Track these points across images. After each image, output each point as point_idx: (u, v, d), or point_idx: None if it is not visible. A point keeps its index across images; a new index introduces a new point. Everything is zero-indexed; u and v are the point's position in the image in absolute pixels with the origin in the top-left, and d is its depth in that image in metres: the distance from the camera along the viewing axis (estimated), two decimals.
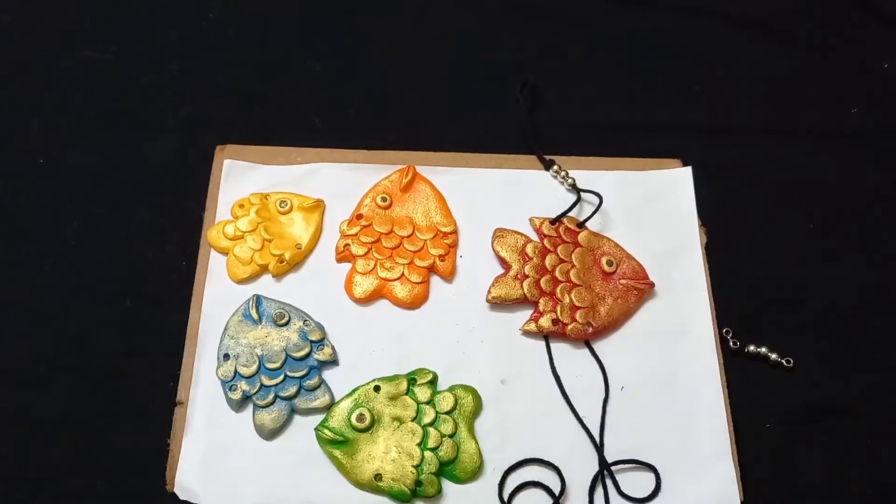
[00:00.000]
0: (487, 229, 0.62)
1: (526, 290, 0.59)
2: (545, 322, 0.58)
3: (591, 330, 0.58)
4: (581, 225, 0.62)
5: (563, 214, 0.62)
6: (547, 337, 0.59)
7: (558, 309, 0.58)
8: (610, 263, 0.60)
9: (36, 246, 0.62)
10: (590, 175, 0.65)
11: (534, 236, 0.62)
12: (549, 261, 0.60)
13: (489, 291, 0.59)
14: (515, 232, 0.61)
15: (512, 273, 0.60)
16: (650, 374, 0.58)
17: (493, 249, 0.61)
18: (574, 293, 0.59)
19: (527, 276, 0.59)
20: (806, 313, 0.61)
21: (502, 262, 0.61)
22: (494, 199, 0.64)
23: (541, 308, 0.59)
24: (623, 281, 0.60)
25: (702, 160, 0.66)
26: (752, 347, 0.59)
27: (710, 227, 0.63)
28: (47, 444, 0.55)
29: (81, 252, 0.62)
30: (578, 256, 0.60)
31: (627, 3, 0.75)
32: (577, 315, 0.58)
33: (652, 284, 0.60)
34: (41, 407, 0.56)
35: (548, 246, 0.61)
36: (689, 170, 0.65)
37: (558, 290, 0.59)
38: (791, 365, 0.58)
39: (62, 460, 0.55)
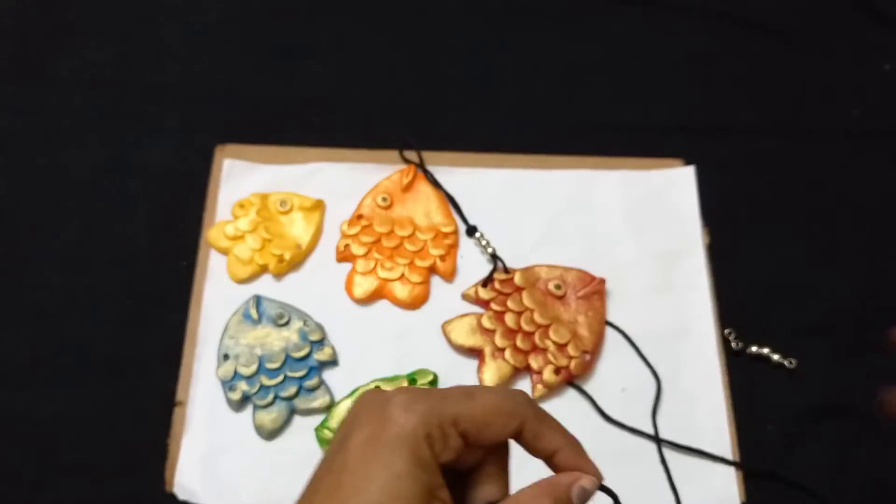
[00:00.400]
0: (488, 229, 0.62)
1: (513, 361, 0.56)
2: (549, 376, 0.56)
3: (588, 357, 0.57)
4: (507, 270, 0.60)
5: (490, 276, 0.60)
6: None
7: (550, 357, 0.56)
8: (558, 287, 0.59)
9: (36, 246, 0.62)
10: (590, 174, 0.65)
11: (470, 308, 0.60)
12: (509, 320, 0.57)
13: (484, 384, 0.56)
14: (460, 316, 0.59)
15: (488, 354, 0.57)
16: (651, 375, 0.58)
17: (455, 345, 0.57)
18: (551, 333, 0.57)
19: (503, 349, 0.57)
20: (808, 314, 0.61)
21: (471, 351, 0.57)
22: (494, 198, 0.64)
23: (535, 367, 0.56)
24: (579, 294, 0.59)
25: (702, 160, 0.66)
26: (754, 348, 0.59)
27: (713, 228, 0.63)
28: (47, 444, 0.55)
29: (81, 252, 0.61)
30: (529, 298, 0.58)
31: (627, 3, 0.75)
32: (570, 350, 0.57)
33: (602, 280, 0.59)
34: (41, 407, 0.56)
35: (498, 307, 0.58)
36: (691, 169, 0.65)
37: (537, 340, 0.57)
38: (793, 366, 0.58)
39: (62, 460, 0.54)
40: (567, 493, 0.31)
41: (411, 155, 0.64)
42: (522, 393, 0.33)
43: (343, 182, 0.64)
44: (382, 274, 0.60)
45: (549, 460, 0.33)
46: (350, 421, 0.31)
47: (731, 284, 0.61)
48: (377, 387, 0.55)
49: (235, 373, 0.56)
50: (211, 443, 0.55)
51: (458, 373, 0.57)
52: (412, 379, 0.56)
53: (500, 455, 0.33)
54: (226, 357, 0.56)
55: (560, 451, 0.32)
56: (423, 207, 0.63)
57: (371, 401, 0.32)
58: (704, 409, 0.57)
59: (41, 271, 0.61)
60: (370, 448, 0.30)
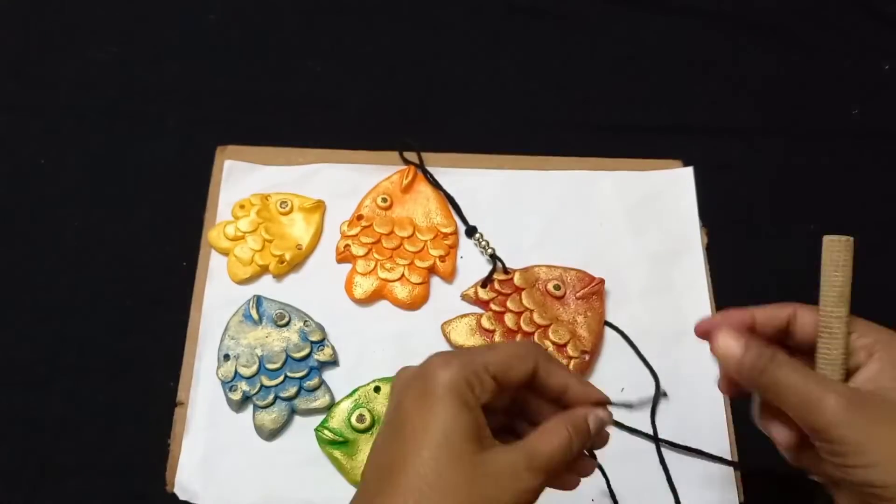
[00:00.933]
0: (488, 230, 0.62)
1: None
2: None
3: (587, 357, 0.57)
4: (507, 271, 0.60)
5: (490, 277, 0.60)
6: None
7: None
8: (557, 287, 0.59)
9: (36, 246, 0.62)
10: (590, 175, 0.65)
11: (470, 308, 0.60)
12: (508, 320, 0.57)
13: None
14: (460, 316, 0.59)
15: None
16: (650, 375, 0.58)
17: (454, 346, 0.57)
18: (550, 333, 0.57)
19: None
20: None
21: None
22: (494, 199, 0.64)
23: None
24: (578, 294, 0.59)
25: (702, 160, 0.66)
26: None
27: (711, 228, 0.63)
28: (47, 444, 0.55)
29: (81, 252, 0.61)
30: (529, 298, 0.58)
31: (627, 3, 0.75)
32: (569, 350, 0.57)
33: (602, 280, 0.59)
34: (41, 407, 0.56)
35: (497, 308, 0.58)
36: (690, 170, 0.65)
37: (536, 341, 0.57)
38: None
39: (62, 460, 0.55)
40: (584, 421, 0.38)
41: (411, 156, 0.65)
42: (533, 342, 0.41)
43: (343, 183, 0.64)
44: (382, 274, 0.60)
45: (562, 399, 0.39)
46: (398, 389, 0.37)
47: (730, 285, 0.61)
48: (377, 387, 0.55)
49: (236, 373, 0.56)
50: (211, 443, 0.55)
51: None
52: None
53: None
54: (226, 357, 0.56)
55: (570, 387, 0.39)
56: (422, 208, 0.63)
57: (410, 371, 0.37)
58: (703, 409, 0.57)
59: (41, 271, 0.61)
60: (423, 401, 0.35)
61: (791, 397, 0.37)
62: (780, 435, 0.40)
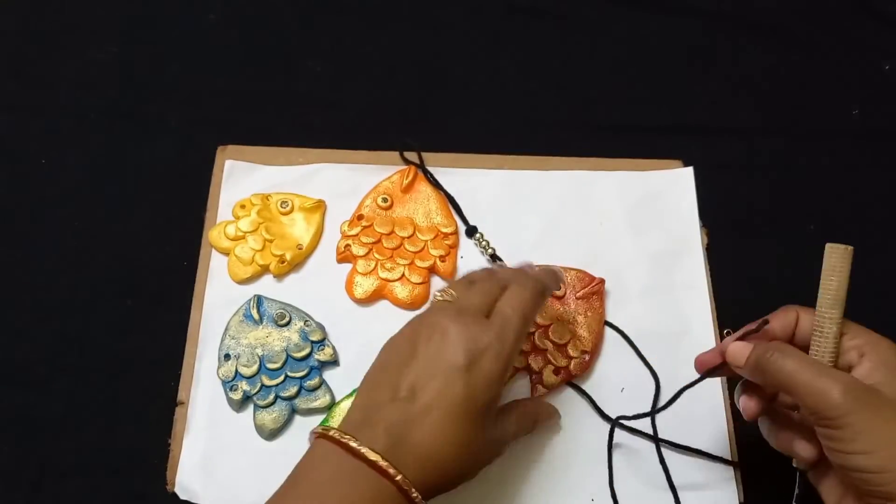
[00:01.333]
0: (488, 230, 0.62)
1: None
2: (549, 377, 0.56)
3: (588, 357, 0.57)
4: None
5: None
6: None
7: (549, 357, 0.57)
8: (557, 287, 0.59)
9: (36, 246, 0.62)
10: (590, 175, 0.65)
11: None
12: None
13: None
14: None
15: None
16: (650, 375, 0.58)
17: None
18: (550, 334, 0.57)
19: None
20: None
21: None
22: (494, 199, 0.64)
23: (535, 367, 0.56)
24: (578, 294, 0.59)
25: (702, 160, 0.66)
26: None
27: (711, 228, 0.63)
28: (47, 444, 0.55)
29: (81, 252, 0.61)
30: None
31: (627, 3, 0.75)
32: (569, 350, 0.57)
33: (602, 280, 0.59)
34: (41, 407, 0.56)
35: None
36: (690, 170, 0.65)
37: (536, 341, 0.57)
38: None
39: (62, 460, 0.55)
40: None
41: (411, 155, 0.65)
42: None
43: (343, 183, 0.64)
44: (383, 274, 0.60)
45: None
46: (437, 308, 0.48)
47: (730, 285, 0.61)
48: None
49: (236, 373, 0.56)
50: (212, 443, 0.55)
51: None
52: None
53: None
54: (227, 357, 0.56)
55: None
56: (423, 208, 0.63)
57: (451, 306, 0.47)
58: (703, 409, 0.57)
59: (41, 271, 0.61)
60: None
61: (798, 386, 0.39)
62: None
